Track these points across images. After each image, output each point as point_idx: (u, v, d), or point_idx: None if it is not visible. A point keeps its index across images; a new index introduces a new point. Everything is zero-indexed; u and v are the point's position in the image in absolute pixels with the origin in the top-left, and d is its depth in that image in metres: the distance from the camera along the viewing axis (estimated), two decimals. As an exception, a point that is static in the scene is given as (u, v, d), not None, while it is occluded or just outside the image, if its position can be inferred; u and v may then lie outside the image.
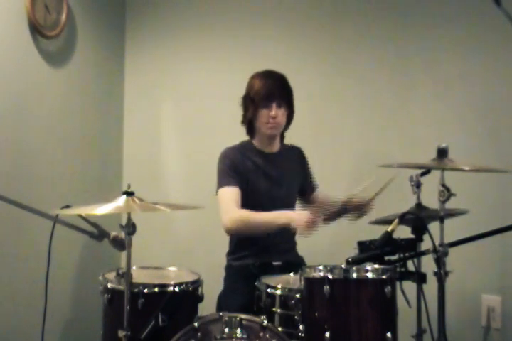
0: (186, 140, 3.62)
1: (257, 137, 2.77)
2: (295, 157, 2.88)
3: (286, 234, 2.78)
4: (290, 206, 2.78)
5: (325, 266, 2.13)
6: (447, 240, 2.19)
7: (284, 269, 2.57)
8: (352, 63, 3.32)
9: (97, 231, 2.30)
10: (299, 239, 2.83)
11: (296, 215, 2.51)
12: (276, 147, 2.81)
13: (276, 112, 2.68)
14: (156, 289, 2.32)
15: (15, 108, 2.83)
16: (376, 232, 2.26)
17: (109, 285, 2.35)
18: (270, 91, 2.67)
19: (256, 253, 2.71)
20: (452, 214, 2.42)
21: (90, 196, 3.27)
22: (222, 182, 2.67)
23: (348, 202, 2.53)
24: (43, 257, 2.34)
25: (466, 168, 2.39)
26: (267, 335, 2.10)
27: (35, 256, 2.71)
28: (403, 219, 2.24)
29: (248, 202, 2.65)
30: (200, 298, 2.41)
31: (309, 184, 2.91)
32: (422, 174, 2.47)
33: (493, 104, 3.07)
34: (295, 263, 2.62)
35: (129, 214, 2.14)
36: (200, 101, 3.56)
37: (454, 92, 3.14)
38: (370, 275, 2.12)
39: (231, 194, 2.63)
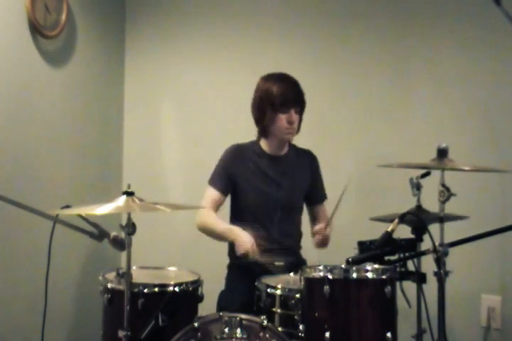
0: (186, 140, 3.62)
1: (269, 139, 2.76)
2: (305, 161, 2.85)
3: (291, 237, 2.79)
4: (292, 210, 2.79)
5: (325, 266, 2.14)
6: (447, 240, 2.19)
7: (286, 270, 2.57)
8: (352, 63, 3.32)
9: (97, 231, 2.29)
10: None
11: (240, 238, 2.54)
12: (284, 150, 2.80)
13: (295, 118, 2.69)
14: (156, 289, 2.31)
15: (15, 108, 2.83)
16: (376, 232, 2.26)
17: (109, 285, 2.35)
18: (290, 97, 2.68)
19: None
20: (452, 218, 2.42)
21: (90, 196, 3.27)
22: (211, 181, 2.78)
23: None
24: (43, 257, 2.33)
25: (466, 168, 2.39)
26: (267, 335, 2.10)
27: (35, 256, 2.71)
28: (403, 219, 2.24)
29: (247, 202, 2.66)
30: (200, 298, 2.41)
31: (315, 194, 2.87)
32: (423, 176, 2.46)
33: (493, 104, 3.07)
34: (297, 265, 2.61)
35: (129, 214, 2.14)
36: (200, 101, 3.56)
37: (454, 92, 3.14)
38: (370, 275, 2.13)
39: (212, 196, 2.74)
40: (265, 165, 2.75)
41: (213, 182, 2.76)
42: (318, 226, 2.69)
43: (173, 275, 2.59)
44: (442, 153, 2.31)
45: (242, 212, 2.77)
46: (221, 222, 2.68)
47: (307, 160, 2.87)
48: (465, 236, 2.20)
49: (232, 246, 2.80)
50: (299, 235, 2.85)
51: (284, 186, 2.74)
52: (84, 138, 3.32)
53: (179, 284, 2.35)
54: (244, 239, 2.52)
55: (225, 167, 2.75)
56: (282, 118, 2.67)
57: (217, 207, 2.73)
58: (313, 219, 2.86)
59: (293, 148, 2.85)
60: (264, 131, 2.75)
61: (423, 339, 2.45)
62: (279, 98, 2.66)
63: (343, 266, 2.14)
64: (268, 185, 2.72)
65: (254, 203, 2.70)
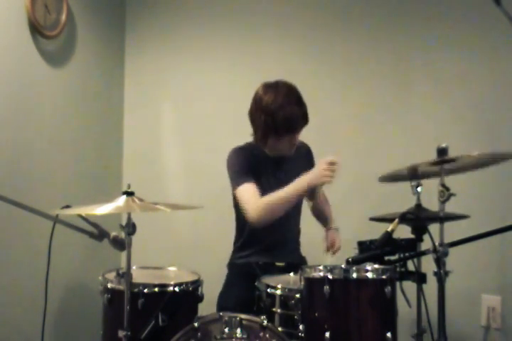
0: (186, 140, 3.62)
1: (268, 149, 2.71)
2: (302, 155, 2.84)
3: (293, 235, 2.78)
4: (295, 208, 2.77)
5: (325, 266, 2.13)
6: (447, 240, 2.19)
7: (287, 270, 2.57)
8: (352, 63, 3.33)
9: (97, 231, 2.30)
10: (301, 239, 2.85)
11: (310, 174, 2.49)
12: None
13: (297, 136, 2.65)
14: (156, 289, 2.32)
15: (15, 108, 2.83)
16: (376, 232, 2.26)
17: (109, 285, 2.35)
18: (297, 123, 2.59)
19: (260, 252, 2.70)
20: (452, 217, 2.41)
21: (90, 196, 3.27)
22: (239, 180, 2.61)
23: None
24: (43, 257, 2.34)
25: (475, 154, 2.28)
26: (267, 335, 2.10)
27: (35, 256, 2.71)
28: (403, 219, 2.24)
29: None
30: (200, 298, 2.41)
31: None
32: (422, 175, 2.46)
33: (492, 103, 3.07)
34: (297, 265, 2.61)
35: (129, 214, 2.15)
36: (200, 101, 3.56)
37: (453, 92, 3.14)
38: (370, 275, 2.12)
39: (251, 189, 2.57)
40: (271, 165, 2.73)
41: (241, 178, 2.61)
42: (330, 246, 2.75)
43: (173, 275, 2.59)
44: (442, 153, 2.30)
45: None
46: (277, 192, 2.53)
47: (304, 154, 2.86)
48: (465, 236, 2.20)
49: (237, 246, 2.79)
50: (298, 233, 2.85)
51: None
52: (84, 138, 3.32)
53: (179, 284, 2.35)
54: (315, 173, 2.48)
55: (244, 163, 2.65)
56: (286, 140, 2.63)
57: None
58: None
59: None
60: (263, 145, 2.69)
61: (423, 339, 2.46)
62: (285, 126, 2.56)
63: (343, 266, 2.14)
64: (275, 184, 2.70)
65: None
